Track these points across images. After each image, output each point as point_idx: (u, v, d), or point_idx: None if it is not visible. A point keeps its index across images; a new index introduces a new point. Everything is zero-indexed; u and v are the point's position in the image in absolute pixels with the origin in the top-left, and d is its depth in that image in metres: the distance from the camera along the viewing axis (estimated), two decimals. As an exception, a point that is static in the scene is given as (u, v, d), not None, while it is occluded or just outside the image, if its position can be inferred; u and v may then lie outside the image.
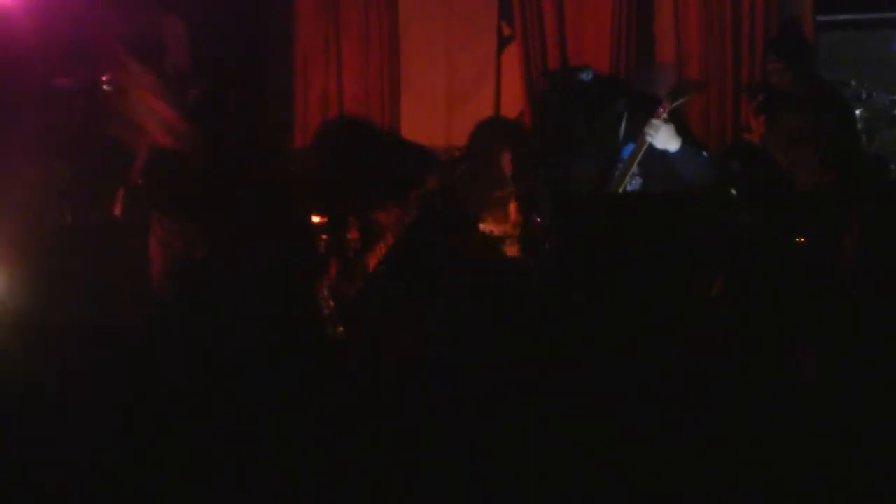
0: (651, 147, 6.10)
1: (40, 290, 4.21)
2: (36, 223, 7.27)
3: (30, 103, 7.96)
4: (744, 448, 3.03)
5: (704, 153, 6.19)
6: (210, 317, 4.11)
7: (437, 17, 9.17)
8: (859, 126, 7.84)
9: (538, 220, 6.17)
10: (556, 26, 8.67)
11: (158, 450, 3.40)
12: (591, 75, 6.29)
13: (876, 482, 3.02)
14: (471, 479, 3.15)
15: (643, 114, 6.18)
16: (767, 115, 7.24)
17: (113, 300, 4.63)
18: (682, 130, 6.13)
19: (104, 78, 7.55)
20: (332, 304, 6.58)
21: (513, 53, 8.93)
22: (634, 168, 6.11)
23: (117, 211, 6.20)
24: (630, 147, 6.18)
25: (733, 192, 6.71)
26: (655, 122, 6.05)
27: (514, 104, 8.89)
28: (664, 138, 6.06)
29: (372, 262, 6.48)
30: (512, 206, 6.47)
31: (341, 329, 6.47)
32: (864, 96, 7.99)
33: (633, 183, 6.14)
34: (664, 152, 6.10)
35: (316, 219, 7.75)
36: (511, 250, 6.34)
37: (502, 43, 9.06)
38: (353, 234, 6.61)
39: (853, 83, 8.02)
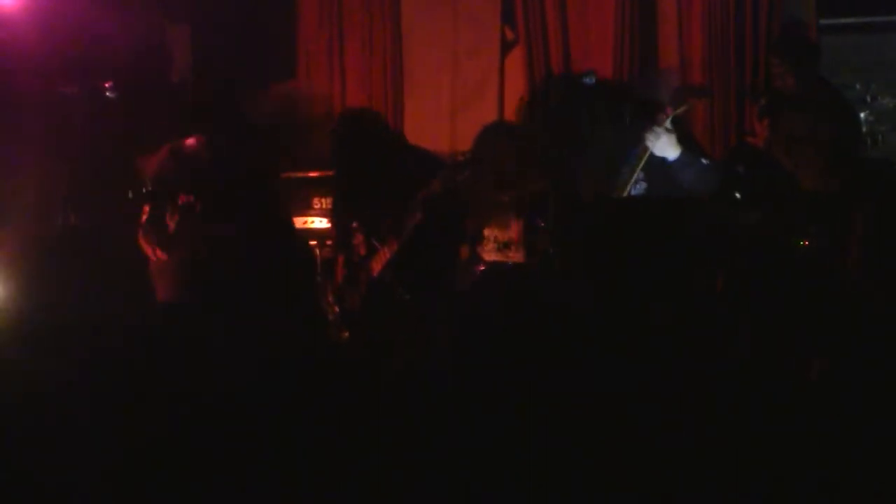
0: (653, 153, 6.10)
1: (44, 294, 4.22)
2: (40, 227, 7.28)
3: (34, 108, 7.97)
4: (744, 449, 3.03)
5: (704, 160, 6.17)
6: (215, 320, 4.11)
7: (441, 22, 9.17)
8: (863, 129, 7.84)
9: (542, 224, 6.17)
10: (560, 31, 8.67)
11: (163, 453, 3.41)
12: (594, 80, 6.29)
13: (877, 483, 3.02)
14: (471, 479, 3.15)
15: (646, 119, 6.18)
16: (771, 118, 7.23)
17: (116, 302, 4.64)
18: (684, 138, 6.12)
19: (107, 84, 7.56)
20: (337, 309, 6.59)
21: (516, 58, 8.93)
22: (639, 174, 6.11)
23: (144, 219, 6.20)
24: (633, 153, 6.18)
25: (737, 195, 6.70)
26: (657, 129, 6.05)
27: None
28: (663, 146, 6.06)
29: (376, 267, 6.49)
30: (515, 211, 6.47)
31: (347, 334, 6.48)
32: (868, 99, 8.00)
33: (636, 188, 6.13)
34: (664, 159, 6.10)
35: (322, 224, 7.76)
36: (515, 255, 6.34)
37: (506, 48, 9.06)
38: (357, 240, 6.62)
39: (857, 86, 8.03)
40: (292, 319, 5.19)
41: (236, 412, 3.49)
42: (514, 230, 6.35)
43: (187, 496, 3.36)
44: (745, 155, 7.41)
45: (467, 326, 4.19)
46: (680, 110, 6.16)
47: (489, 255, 6.40)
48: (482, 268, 6.36)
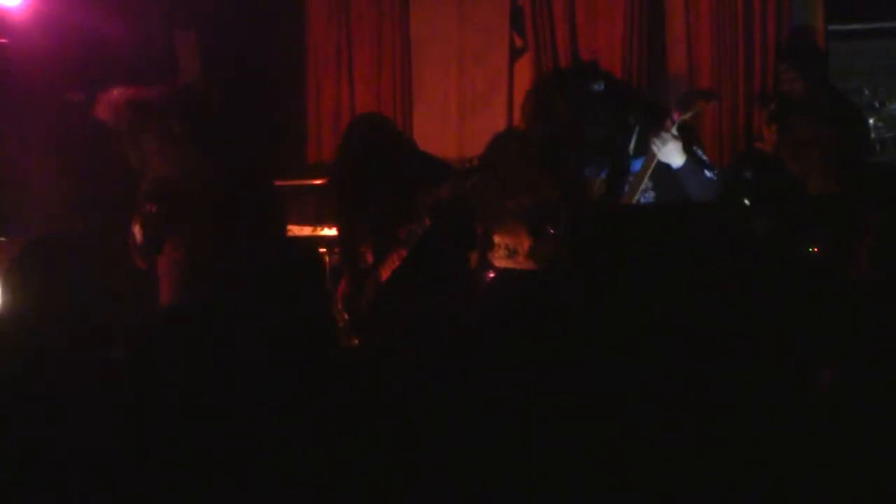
0: (660, 161, 6.08)
1: (50, 298, 4.21)
2: (47, 232, 7.28)
3: (41, 115, 7.99)
4: (746, 449, 3.03)
5: (708, 172, 6.14)
6: (222, 328, 4.11)
7: (450, 29, 9.18)
8: (872, 135, 7.84)
9: (552, 231, 6.17)
10: (569, 37, 8.68)
11: (171, 458, 3.41)
12: (602, 86, 6.28)
13: (878, 485, 3.02)
14: (471, 479, 3.15)
15: (654, 125, 6.16)
16: (779, 123, 7.23)
17: (122, 306, 4.63)
18: (690, 146, 6.10)
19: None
20: (346, 316, 6.59)
21: (525, 64, 8.94)
22: (648, 182, 6.10)
23: (139, 239, 6.21)
24: (640, 160, 6.16)
25: (746, 201, 6.70)
26: (664, 134, 6.02)
27: (526, 115, 8.90)
28: (669, 152, 6.02)
29: (385, 274, 6.48)
30: (526, 218, 6.46)
31: (355, 341, 6.48)
32: (876, 105, 8.00)
33: (645, 196, 6.12)
34: (670, 166, 6.08)
35: (329, 231, 7.77)
36: (525, 262, 6.33)
37: (515, 54, 9.07)
38: (365, 247, 6.62)
39: (866, 92, 8.03)
40: (295, 322, 5.18)
41: (238, 414, 3.49)
42: (524, 237, 6.34)
43: (190, 498, 3.36)
44: (753, 160, 7.40)
45: (477, 332, 4.18)
46: (686, 115, 6.13)
47: (499, 261, 6.40)
48: (492, 274, 6.36)
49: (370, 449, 3.40)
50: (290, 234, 7.74)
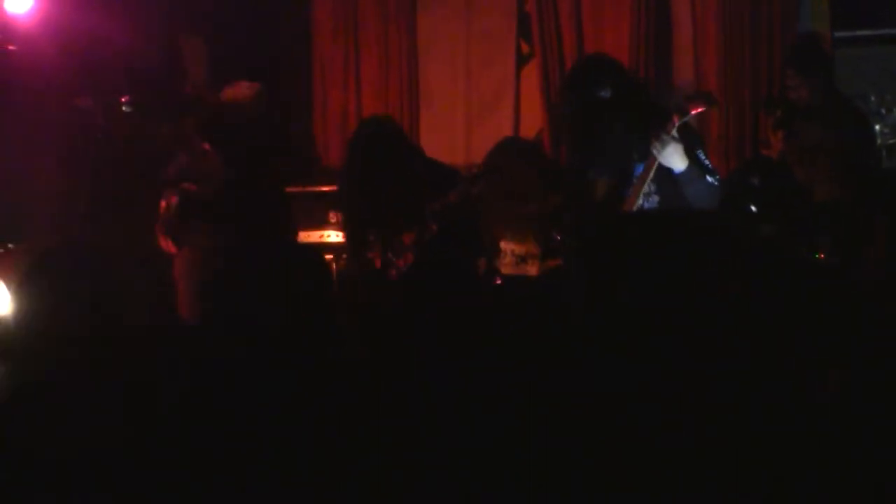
0: (662, 165, 6.06)
1: (59, 308, 4.22)
2: (56, 241, 7.29)
3: (50, 121, 8.00)
4: (746, 450, 3.03)
5: (710, 178, 6.12)
6: (237, 332, 4.12)
7: (457, 35, 9.20)
8: (878, 141, 7.84)
9: (559, 238, 6.17)
10: (575, 44, 8.70)
11: (180, 464, 3.42)
12: (609, 93, 6.27)
13: (881, 489, 3.02)
14: (471, 479, 3.16)
15: (656, 129, 6.14)
16: (786, 130, 7.23)
17: (132, 317, 4.64)
18: (692, 150, 6.08)
19: (123, 99, 7.59)
20: (352, 323, 6.60)
21: (532, 71, 8.96)
22: (651, 187, 6.08)
23: (168, 216, 6.21)
24: (642, 164, 6.14)
25: (752, 207, 6.70)
26: (664, 137, 5.98)
27: (533, 122, 8.92)
28: (669, 156, 5.98)
29: (392, 280, 6.49)
30: (533, 225, 6.46)
31: (363, 348, 6.48)
32: (882, 111, 8.01)
33: (649, 201, 6.11)
34: (671, 170, 6.06)
35: (338, 238, 7.78)
36: (532, 269, 6.33)
37: (522, 61, 9.09)
38: (373, 253, 6.63)
39: (872, 98, 8.03)
40: (302, 326, 5.19)
41: (241, 415, 3.50)
42: (531, 244, 6.34)
43: (193, 499, 3.37)
44: (759, 167, 7.41)
45: (479, 334, 4.19)
46: (686, 118, 6.11)
47: (506, 268, 6.40)
48: (500, 281, 6.36)
49: (371, 449, 3.41)
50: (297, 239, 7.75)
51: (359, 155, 6.65)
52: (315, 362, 3.87)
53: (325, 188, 8.09)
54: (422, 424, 3.40)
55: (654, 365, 3.14)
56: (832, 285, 4.24)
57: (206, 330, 4.31)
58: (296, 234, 7.29)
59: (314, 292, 4.29)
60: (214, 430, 3.48)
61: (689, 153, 6.01)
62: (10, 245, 7.11)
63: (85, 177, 7.66)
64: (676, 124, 6.01)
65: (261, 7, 9.34)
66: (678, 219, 4.84)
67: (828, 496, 2.97)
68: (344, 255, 7.01)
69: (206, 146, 6.34)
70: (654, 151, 6.00)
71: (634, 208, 6.04)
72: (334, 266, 7.16)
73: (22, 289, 4.13)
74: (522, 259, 6.38)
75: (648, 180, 6.06)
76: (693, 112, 6.12)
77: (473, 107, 9.15)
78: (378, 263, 6.62)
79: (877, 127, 7.85)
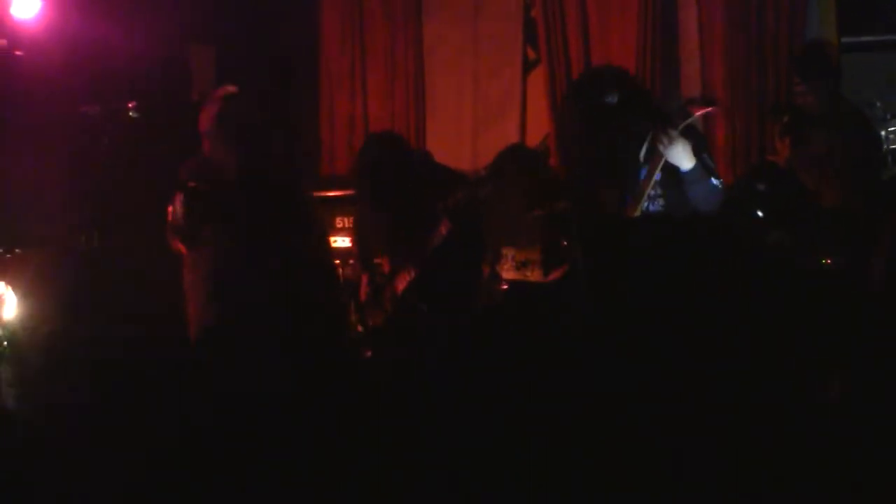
0: (668, 167, 6.04)
1: (66, 314, 4.23)
2: (64, 247, 7.30)
3: (58, 128, 8.01)
4: (747, 450, 3.03)
5: (715, 180, 6.11)
6: (245, 344, 4.12)
7: (463, 42, 9.21)
8: (884, 146, 7.84)
9: (565, 243, 6.17)
10: (582, 50, 8.70)
11: (188, 473, 3.42)
12: (615, 99, 6.27)
13: (880, 490, 3.02)
14: (471, 479, 3.16)
15: (661, 129, 6.12)
16: (792, 136, 7.23)
17: (139, 324, 4.65)
18: (697, 152, 6.08)
19: (130, 105, 7.60)
20: (360, 328, 6.61)
21: (538, 77, 8.97)
22: (656, 190, 6.08)
23: (179, 217, 6.19)
24: (646, 167, 6.13)
25: (759, 213, 6.70)
26: (672, 132, 5.94)
27: (539, 127, 8.92)
28: (678, 154, 5.95)
29: (400, 285, 6.50)
30: (537, 230, 6.47)
31: (370, 353, 6.49)
32: (888, 117, 8.00)
33: (654, 205, 6.09)
34: (678, 171, 6.05)
35: (345, 243, 7.79)
36: (533, 275, 6.34)
37: (528, 67, 9.09)
38: (381, 258, 6.64)
39: (878, 104, 8.03)
40: (311, 333, 5.19)
41: (245, 417, 3.51)
42: (532, 249, 6.35)
43: (195, 499, 3.37)
44: (766, 173, 7.41)
45: (490, 342, 4.19)
46: (690, 120, 6.10)
47: (507, 273, 6.41)
48: (504, 287, 6.37)
49: (371, 450, 3.41)
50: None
51: (364, 171, 6.68)
52: (321, 363, 3.88)
53: (332, 193, 8.10)
54: (425, 425, 3.40)
55: (656, 365, 3.15)
56: (834, 287, 4.24)
57: (216, 330, 4.33)
58: (323, 237, 7.23)
59: (320, 294, 4.31)
60: (222, 431, 3.49)
61: (695, 153, 6.00)
62: (17, 250, 7.12)
63: (91, 182, 7.68)
64: (681, 125, 6.01)
65: (268, 15, 9.35)
66: (680, 221, 4.85)
67: (828, 496, 2.97)
68: (350, 261, 7.01)
69: (215, 145, 6.33)
70: (661, 148, 5.96)
71: (639, 211, 6.04)
72: (341, 272, 7.17)
73: (29, 293, 4.14)
74: (523, 264, 6.38)
75: (653, 182, 6.05)
76: (697, 113, 6.12)
77: (480, 112, 9.15)
78: (386, 268, 6.63)
79: (882, 133, 7.85)
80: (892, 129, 8.01)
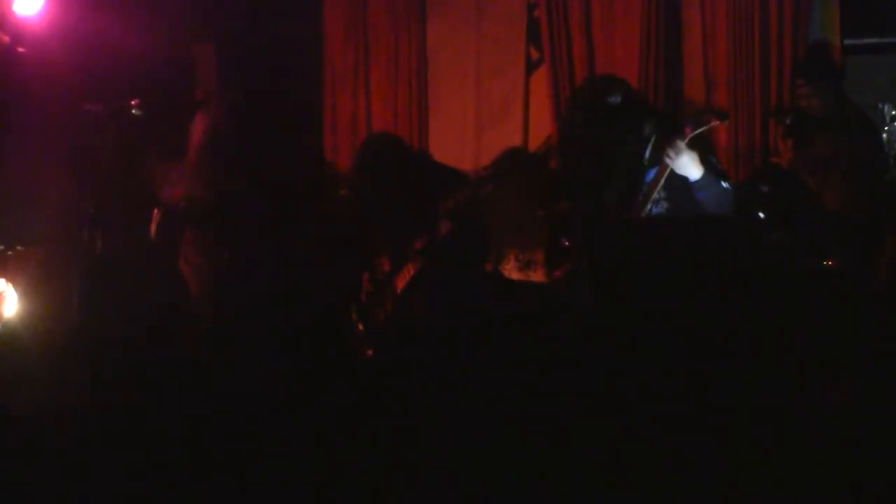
0: (674, 172, 6.06)
1: (67, 313, 4.23)
2: (66, 248, 7.29)
3: (59, 127, 8.00)
4: (746, 451, 3.03)
5: (724, 184, 6.12)
6: (241, 334, 4.12)
7: (466, 42, 9.19)
8: (887, 149, 7.82)
9: (567, 244, 6.16)
10: (585, 50, 8.68)
11: (189, 470, 3.42)
12: (619, 99, 6.27)
13: (880, 490, 3.01)
14: (471, 478, 3.16)
15: (667, 137, 6.14)
16: (796, 138, 7.23)
17: (141, 324, 4.65)
18: (705, 158, 6.09)
19: (133, 102, 7.58)
20: (361, 326, 6.60)
21: (541, 77, 8.94)
22: (660, 193, 6.08)
23: (153, 230, 6.21)
24: (652, 171, 6.14)
25: (762, 215, 6.69)
26: (679, 144, 5.99)
27: (542, 128, 8.89)
28: (685, 164, 6.00)
29: (401, 284, 6.50)
30: (540, 230, 6.47)
31: (370, 351, 6.49)
32: (892, 119, 7.98)
33: (658, 207, 6.10)
34: (686, 179, 6.06)
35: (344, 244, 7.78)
36: (536, 275, 6.33)
37: (531, 67, 9.07)
38: (381, 257, 6.64)
39: (881, 106, 8.01)
40: (321, 336, 5.20)
41: (245, 416, 3.51)
42: (535, 249, 6.35)
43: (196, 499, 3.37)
44: (769, 175, 7.40)
45: (491, 338, 4.19)
46: (698, 131, 6.11)
47: (510, 273, 6.41)
48: (506, 287, 6.36)
49: (371, 449, 3.41)
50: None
51: (365, 171, 6.68)
52: (323, 363, 3.88)
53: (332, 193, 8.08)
54: (426, 425, 3.40)
55: (657, 365, 3.15)
56: (835, 289, 4.25)
57: (214, 333, 4.32)
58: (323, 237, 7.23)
59: (319, 294, 4.31)
60: (224, 430, 3.49)
61: (704, 160, 6.02)
62: (18, 247, 7.11)
63: (94, 180, 7.66)
64: (689, 136, 6.03)
65: (270, 13, 9.33)
66: (681, 223, 4.85)
67: (828, 496, 2.97)
68: (352, 259, 7.00)
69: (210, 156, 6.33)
70: (667, 160, 6.01)
71: (643, 214, 6.05)
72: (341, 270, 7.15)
73: (30, 293, 4.15)
74: (527, 264, 6.38)
75: (659, 187, 6.06)
76: (704, 125, 6.14)
77: (482, 113, 9.13)
78: (387, 267, 6.63)
79: (885, 135, 7.83)
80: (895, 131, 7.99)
